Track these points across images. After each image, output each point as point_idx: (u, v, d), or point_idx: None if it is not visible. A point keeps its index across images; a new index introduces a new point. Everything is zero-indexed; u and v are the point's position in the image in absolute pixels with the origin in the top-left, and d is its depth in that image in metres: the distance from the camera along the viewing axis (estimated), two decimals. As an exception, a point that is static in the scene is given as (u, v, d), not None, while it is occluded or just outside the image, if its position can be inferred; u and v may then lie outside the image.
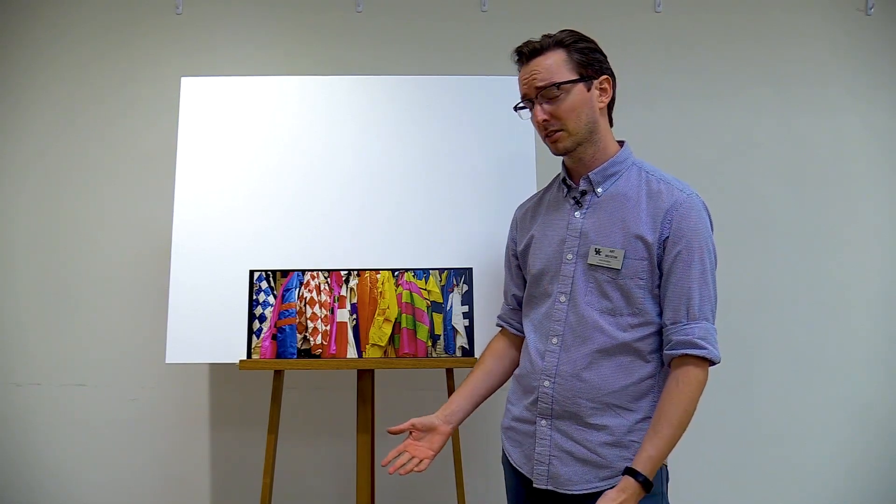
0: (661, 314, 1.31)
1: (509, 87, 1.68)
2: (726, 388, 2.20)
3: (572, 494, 1.31)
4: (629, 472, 1.24)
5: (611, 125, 1.40)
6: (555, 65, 1.32)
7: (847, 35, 2.26)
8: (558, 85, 1.31)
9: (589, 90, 1.33)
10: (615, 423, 1.30)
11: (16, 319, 2.23)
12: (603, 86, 1.34)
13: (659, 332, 1.31)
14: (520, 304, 1.52)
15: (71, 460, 2.21)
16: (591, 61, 1.33)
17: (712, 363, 1.26)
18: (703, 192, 1.34)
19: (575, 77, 1.32)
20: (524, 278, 1.50)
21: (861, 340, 2.22)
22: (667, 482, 1.33)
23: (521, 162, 1.84)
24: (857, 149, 2.24)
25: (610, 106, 1.38)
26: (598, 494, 1.27)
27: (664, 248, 1.29)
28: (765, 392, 2.22)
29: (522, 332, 1.49)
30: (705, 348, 1.24)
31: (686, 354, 1.25)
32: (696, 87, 2.26)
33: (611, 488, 1.26)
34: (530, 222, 1.48)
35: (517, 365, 1.49)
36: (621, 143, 1.40)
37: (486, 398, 1.51)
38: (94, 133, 2.25)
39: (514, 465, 1.42)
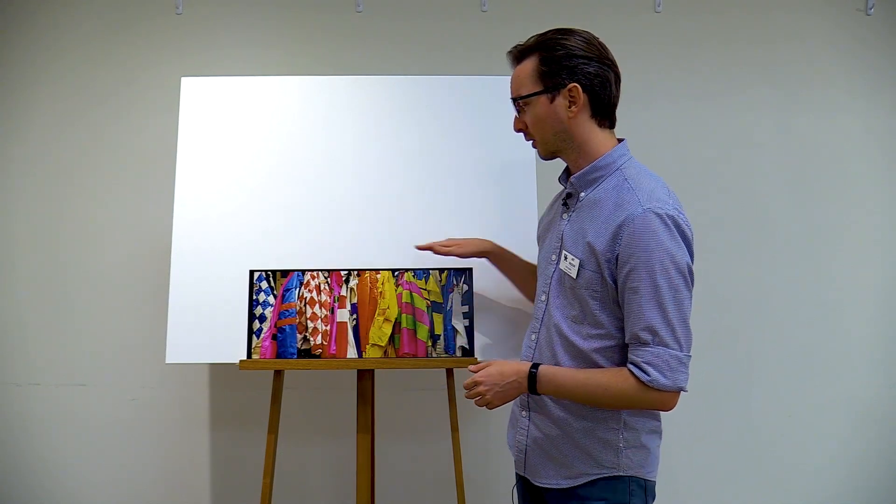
0: (622, 329, 1.27)
1: (509, 87, 1.68)
2: (726, 389, 2.20)
3: (539, 486, 1.36)
4: (532, 364, 1.31)
5: (612, 125, 1.35)
6: (523, 75, 1.33)
7: (847, 35, 2.25)
8: (519, 98, 1.34)
9: (552, 101, 1.30)
10: (577, 427, 1.30)
11: (16, 319, 2.23)
12: (572, 94, 1.28)
13: (620, 347, 1.27)
14: None
15: (71, 460, 2.21)
16: (558, 70, 1.28)
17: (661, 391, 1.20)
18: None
19: (537, 89, 1.31)
20: None
21: (861, 340, 2.22)
22: (644, 497, 1.31)
23: (520, 162, 1.84)
24: (857, 149, 2.24)
25: (605, 107, 1.31)
26: (563, 491, 1.31)
27: (616, 266, 1.23)
28: (764, 392, 2.22)
29: None
30: (648, 375, 1.19)
31: (631, 371, 1.22)
32: (696, 87, 2.26)
33: (574, 487, 1.29)
34: (541, 222, 1.53)
35: None
36: (620, 140, 1.35)
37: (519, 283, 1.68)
38: (95, 133, 2.25)
39: (508, 444, 1.48)
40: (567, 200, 1.37)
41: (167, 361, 1.75)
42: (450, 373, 1.78)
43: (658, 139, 2.22)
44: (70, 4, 2.27)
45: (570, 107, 1.29)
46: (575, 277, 1.28)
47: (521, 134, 1.40)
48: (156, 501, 2.21)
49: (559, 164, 1.45)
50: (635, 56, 2.24)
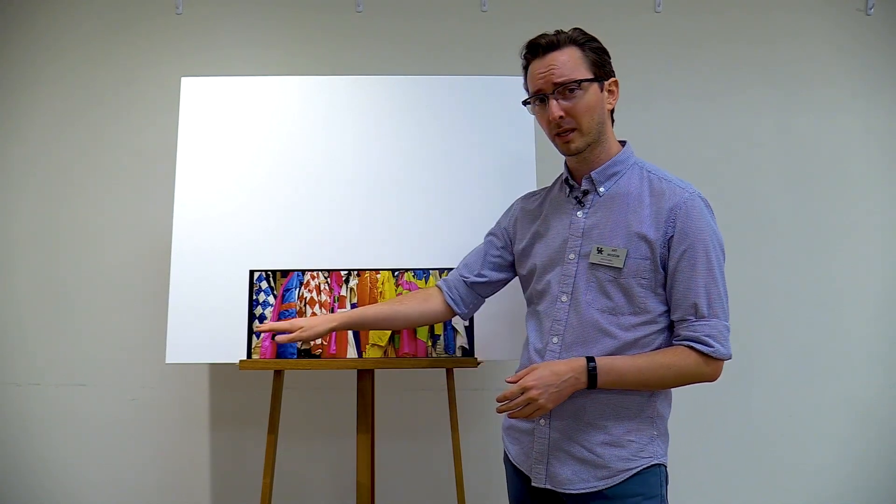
0: (665, 313, 1.31)
1: (509, 87, 1.69)
2: (726, 388, 2.19)
3: (569, 493, 1.31)
4: (587, 357, 1.28)
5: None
6: (572, 61, 1.31)
7: (847, 35, 2.26)
8: (579, 82, 1.31)
9: (602, 91, 1.34)
10: (614, 423, 1.30)
11: (16, 319, 2.23)
12: (611, 88, 1.36)
13: (663, 331, 1.31)
14: (474, 284, 1.53)
15: (71, 460, 2.21)
16: (603, 62, 1.34)
17: (721, 360, 1.28)
18: (704, 192, 1.34)
19: (591, 76, 1.32)
20: (501, 266, 1.52)
21: (861, 340, 2.22)
22: (666, 484, 1.33)
23: (521, 162, 1.84)
24: (857, 149, 2.24)
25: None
26: (596, 494, 1.29)
27: (669, 248, 1.29)
28: (765, 392, 2.22)
29: (459, 309, 1.53)
30: (711, 346, 1.26)
31: (693, 347, 1.26)
32: (696, 87, 2.26)
33: (608, 488, 1.28)
34: (531, 222, 1.48)
35: (422, 324, 1.56)
36: (623, 143, 1.40)
37: (373, 327, 1.59)
38: (95, 133, 2.25)
39: (514, 462, 1.42)
40: (581, 197, 1.38)
41: (167, 361, 1.75)
42: (450, 373, 1.78)
43: (658, 139, 2.22)
44: (70, 4, 2.27)
45: (609, 98, 1.36)
46: (621, 267, 1.29)
47: (557, 122, 1.32)
48: (156, 501, 2.21)
49: (559, 165, 1.45)
50: (635, 56, 2.24)
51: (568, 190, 1.41)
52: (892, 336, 2.21)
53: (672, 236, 1.28)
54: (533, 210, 1.49)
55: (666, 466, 1.33)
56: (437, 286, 1.57)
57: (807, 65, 2.26)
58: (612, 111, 1.39)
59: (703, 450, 2.20)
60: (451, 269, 1.75)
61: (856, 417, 2.20)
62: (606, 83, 1.35)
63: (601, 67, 1.34)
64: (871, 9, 2.25)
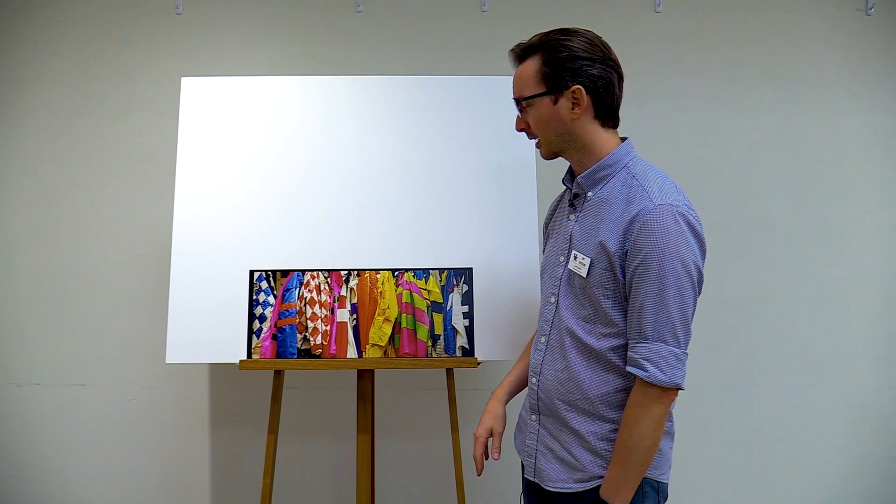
0: None
1: (509, 87, 1.67)
2: (726, 389, 2.20)
3: (550, 491, 1.34)
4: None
5: (615, 125, 1.34)
6: (526, 76, 1.32)
7: (847, 35, 2.26)
8: (522, 99, 1.33)
9: (556, 103, 1.29)
10: (589, 430, 1.29)
11: (16, 319, 2.23)
12: (575, 97, 1.27)
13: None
14: None
15: (71, 460, 2.21)
16: (561, 72, 1.27)
17: (659, 387, 1.19)
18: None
19: (540, 91, 1.30)
20: None
21: (860, 340, 2.22)
22: (664, 501, 1.30)
23: (520, 162, 1.84)
24: (857, 149, 2.24)
25: (609, 108, 1.31)
26: (574, 495, 1.30)
27: (625, 260, 1.23)
28: (764, 392, 2.22)
29: None
30: (646, 371, 1.19)
31: (631, 373, 1.22)
32: (696, 87, 2.26)
33: (586, 491, 1.28)
34: (549, 223, 1.51)
35: None
36: (624, 139, 1.35)
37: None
38: (95, 133, 2.25)
39: (516, 450, 1.46)
40: (573, 201, 1.37)
41: (167, 361, 1.75)
42: (450, 373, 1.78)
43: (658, 139, 2.22)
44: (70, 5, 2.27)
45: (573, 108, 1.28)
46: (585, 276, 1.27)
47: (524, 133, 1.39)
48: (156, 501, 2.21)
49: (559, 165, 1.45)
50: (635, 56, 2.24)
51: (569, 191, 1.41)
52: (892, 336, 2.21)
53: (628, 250, 1.22)
54: (550, 212, 1.52)
55: (655, 481, 1.28)
56: None
57: (807, 65, 2.26)
58: (611, 110, 1.32)
59: (703, 449, 2.20)
60: (452, 269, 1.76)
61: (855, 417, 2.20)
62: (568, 92, 1.27)
63: (557, 78, 1.27)
64: (871, 9, 2.25)
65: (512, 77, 1.38)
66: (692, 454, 2.18)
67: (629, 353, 1.23)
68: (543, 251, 1.52)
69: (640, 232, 1.20)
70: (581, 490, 1.29)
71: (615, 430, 1.28)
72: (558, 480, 1.32)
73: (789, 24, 2.26)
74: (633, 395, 1.23)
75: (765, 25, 2.26)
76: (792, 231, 2.23)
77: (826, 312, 2.22)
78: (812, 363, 2.22)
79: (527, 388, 1.44)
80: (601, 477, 1.27)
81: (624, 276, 1.23)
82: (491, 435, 1.47)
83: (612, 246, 1.23)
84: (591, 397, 1.28)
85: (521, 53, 1.34)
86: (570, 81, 1.27)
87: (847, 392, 2.21)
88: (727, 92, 2.25)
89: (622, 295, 1.25)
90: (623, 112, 1.37)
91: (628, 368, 1.23)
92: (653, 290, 1.19)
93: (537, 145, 1.38)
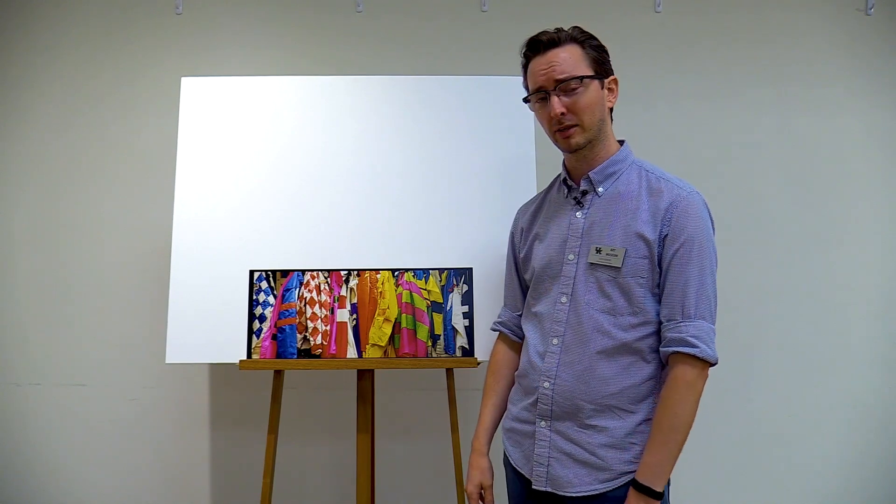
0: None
1: (509, 87, 1.68)
2: (726, 388, 2.20)
3: (571, 497, 1.30)
4: (633, 483, 1.25)
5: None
6: (573, 58, 1.32)
7: (847, 35, 2.26)
8: (581, 79, 1.31)
9: (602, 88, 1.34)
10: (615, 425, 1.29)
11: (16, 319, 2.23)
12: (611, 86, 1.36)
13: (659, 332, 1.30)
14: (520, 308, 1.52)
15: (71, 460, 2.21)
16: (602, 60, 1.35)
17: (708, 363, 1.24)
18: (703, 192, 1.34)
19: (592, 73, 1.32)
20: (527, 283, 1.49)
21: (861, 340, 2.22)
22: (668, 485, 1.32)
23: (521, 162, 1.84)
24: (857, 149, 2.24)
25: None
26: (598, 497, 1.28)
27: (663, 246, 1.28)
28: (764, 392, 2.22)
29: (522, 338, 1.49)
30: (697, 347, 1.23)
31: (678, 352, 1.24)
32: (696, 87, 2.26)
33: (610, 491, 1.27)
34: (531, 225, 1.48)
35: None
36: (621, 142, 1.40)
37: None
38: (95, 133, 2.25)
39: (514, 465, 1.42)
40: (580, 198, 1.38)
41: (167, 361, 1.75)
42: (450, 373, 1.78)
43: (658, 139, 2.22)
44: (70, 5, 2.27)
45: (609, 96, 1.36)
46: (619, 267, 1.29)
47: (559, 119, 1.32)
48: (155, 501, 2.21)
49: (559, 165, 1.45)
50: (635, 56, 2.24)
51: (566, 191, 1.41)
52: (892, 336, 2.21)
53: (667, 234, 1.27)
54: (530, 215, 1.50)
55: None
56: (499, 331, 1.56)
57: (807, 65, 2.26)
58: (611, 110, 1.38)
59: (703, 449, 2.20)
60: (452, 269, 1.76)
61: (856, 417, 2.20)
62: (607, 81, 1.35)
63: (601, 65, 1.34)
64: (871, 9, 2.25)
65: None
66: (692, 454, 2.18)
67: (669, 334, 1.26)
68: (522, 255, 1.49)
69: (680, 217, 1.27)
70: (603, 491, 1.28)
71: (641, 422, 1.29)
72: (580, 484, 1.29)
73: (789, 24, 2.26)
74: (677, 375, 1.24)
75: (765, 25, 2.26)
76: (792, 231, 2.23)
77: (826, 311, 2.22)
78: (812, 363, 2.22)
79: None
80: (626, 473, 1.28)
81: (660, 262, 1.28)
82: (482, 488, 1.48)
83: (650, 234, 1.28)
84: (618, 392, 1.29)
85: (556, 40, 1.32)
86: (609, 71, 1.36)
87: (847, 392, 2.21)
88: (727, 92, 2.25)
89: (654, 282, 1.29)
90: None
91: (673, 349, 1.24)
92: (695, 271, 1.25)
93: (566, 135, 1.33)
